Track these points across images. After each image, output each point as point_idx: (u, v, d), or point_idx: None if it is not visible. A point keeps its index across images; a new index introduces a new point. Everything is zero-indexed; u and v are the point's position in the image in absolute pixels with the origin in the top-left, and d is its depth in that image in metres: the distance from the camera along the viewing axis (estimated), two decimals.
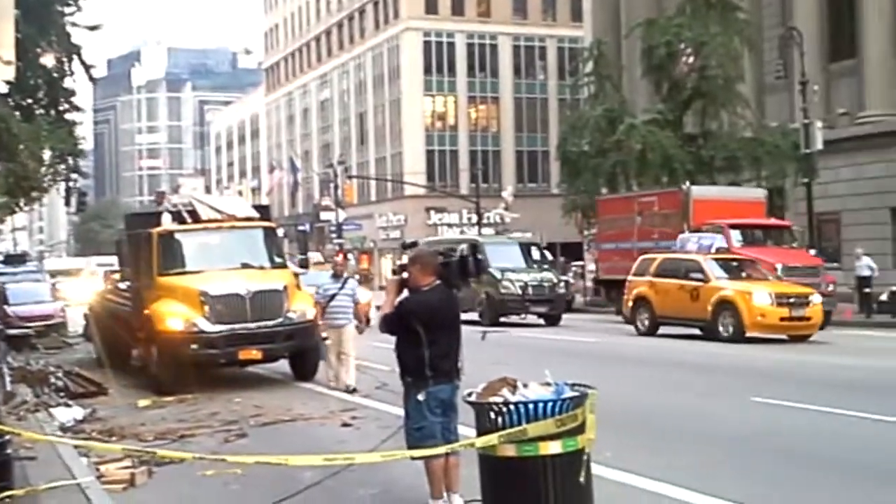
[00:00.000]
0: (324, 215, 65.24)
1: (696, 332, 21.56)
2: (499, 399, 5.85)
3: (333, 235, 60.75)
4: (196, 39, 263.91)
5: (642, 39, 34.15)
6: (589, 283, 37.88)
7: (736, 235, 24.75)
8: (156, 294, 14.92)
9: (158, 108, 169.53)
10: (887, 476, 7.93)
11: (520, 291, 26.88)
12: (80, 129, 28.09)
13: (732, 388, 13.27)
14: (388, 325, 6.85)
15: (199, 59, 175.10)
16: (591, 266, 35.93)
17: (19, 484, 7.58)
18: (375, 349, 13.77)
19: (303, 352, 15.14)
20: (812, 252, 27.10)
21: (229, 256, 15.46)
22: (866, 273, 27.13)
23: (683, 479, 7.65)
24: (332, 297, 14.00)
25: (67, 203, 30.56)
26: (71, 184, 27.44)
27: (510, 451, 5.62)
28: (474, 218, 54.83)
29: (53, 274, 48.63)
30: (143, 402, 13.28)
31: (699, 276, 21.32)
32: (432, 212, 68.48)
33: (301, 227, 65.14)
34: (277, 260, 16.02)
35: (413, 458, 6.51)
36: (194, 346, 14.12)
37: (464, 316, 25.54)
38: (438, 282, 6.77)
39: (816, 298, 20.71)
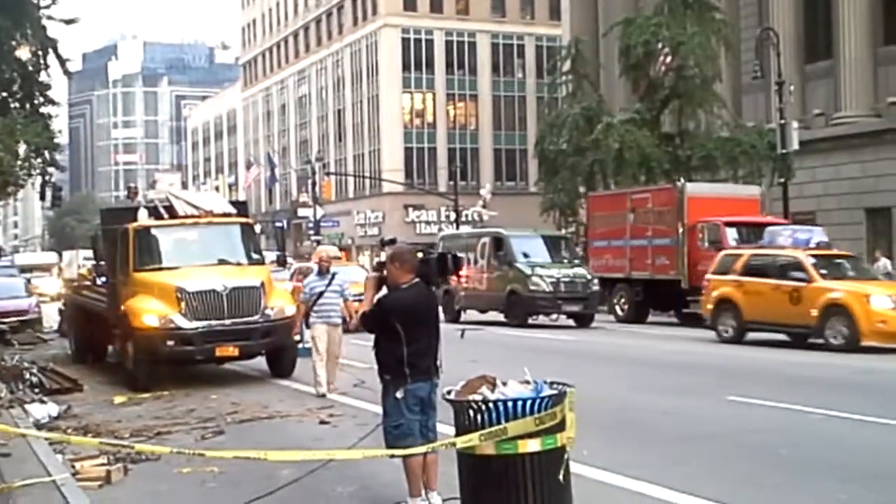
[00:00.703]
0: (301, 212, 65.07)
1: (789, 338, 19.28)
2: (478, 397, 5.85)
3: (311, 232, 60.56)
4: (173, 34, 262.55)
5: (620, 39, 34.23)
6: None
7: (731, 233, 24.37)
8: (132, 290, 14.83)
9: (135, 102, 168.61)
10: None
11: (551, 288, 24.82)
12: (56, 123, 27.82)
13: None
14: (367, 322, 6.85)
15: (175, 54, 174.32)
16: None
17: None
18: (353, 346, 13.73)
19: (280, 349, 15.06)
20: None
21: (206, 253, 15.39)
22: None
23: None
24: (320, 294, 13.20)
25: (42, 198, 30.24)
26: (46, 178, 27.19)
27: (489, 449, 5.62)
28: (452, 216, 54.82)
29: (24, 269, 46.98)
30: (118, 399, 13.21)
31: (800, 275, 18.71)
32: (410, 209, 68.50)
33: (278, 224, 64.89)
34: (255, 256, 15.96)
35: (392, 457, 6.51)
36: (170, 343, 14.04)
37: (484, 316, 24.74)
38: (417, 280, 6.76)
39: None
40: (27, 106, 25.70)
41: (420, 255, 6.95)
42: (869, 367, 15.35)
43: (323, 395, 12.79)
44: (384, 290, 6.85)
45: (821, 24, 35.62)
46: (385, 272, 6.84)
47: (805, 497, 7.45)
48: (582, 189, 36.16)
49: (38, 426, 10.72)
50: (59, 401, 12.58)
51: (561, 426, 5.68)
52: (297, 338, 14.03)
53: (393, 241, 7.16)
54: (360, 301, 9.19)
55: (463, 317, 27.01)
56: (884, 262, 26.70)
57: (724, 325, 20.21)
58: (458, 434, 5.85)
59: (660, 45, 32.64)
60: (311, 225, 60.93)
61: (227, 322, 14.25)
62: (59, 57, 26.56)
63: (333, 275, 13.38)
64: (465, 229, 43.86)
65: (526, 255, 25.87)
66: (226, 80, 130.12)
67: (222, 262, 15.26)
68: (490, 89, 73.12)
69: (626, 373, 15.36)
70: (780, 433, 9.70)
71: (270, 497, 7.09)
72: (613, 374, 15.09)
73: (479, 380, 6.08)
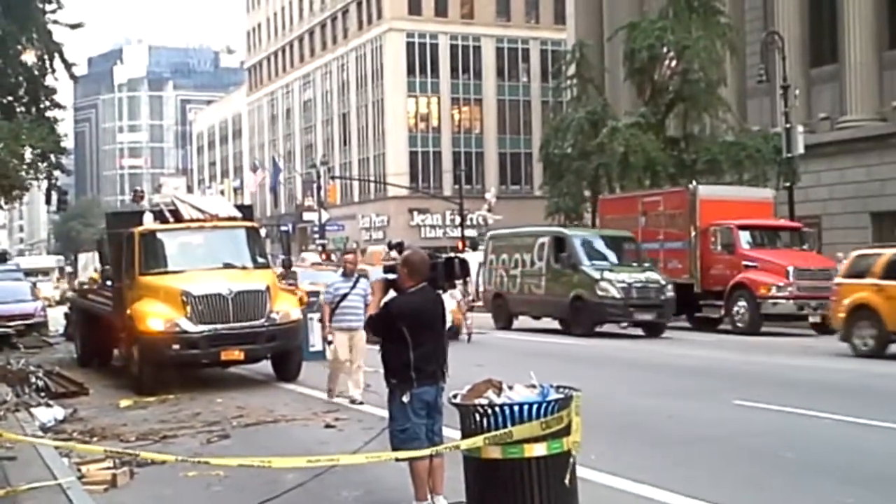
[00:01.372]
0: (306, 216, 65.16)
1: None
2: (484, 401, 5.85)
3: (316, 236, 60.61)
4: (178, 38, 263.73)
5: (625, 43, 34.22)
6: None
7: (745, 237, 24.20)
8: (137, 294, 14.84)
9: (140, 106, 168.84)
10: None
11: (622, 295, 22.68)
12: (61, 127, 27.87)
13: None
14: (374, 326, 6.85)
15: (181, 58, 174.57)
16: None
17: (0, 484, 7.53)
18: None
19: (285, 353, 15.06)
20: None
21: (212, 256, 15.40)
22: None
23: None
24: (343, 297, 12.66)
25: (48, 201, 30.32)
26: (52, 182, 27.25)
27: (495, 453, 5.61)
28: (457, 219, 54.82)
29: (25, 273, 46.64)
30: (124, 403, 13.22)
31: None
32: (415, 213, 68.54)
33: (283, 228, 64.88)
34: (260, 260, 15.96)
35: (398, 460, 6.50)
36: (176, 347, 14.04)
37: (536, 323, 24.36)
38: (424, 283, 6.75)
39: None
40: (33, 110, 25.76)
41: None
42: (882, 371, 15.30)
43: (353, 402, 12.31)
44: (391, 294, 6.85)
45: (826, 28, 35.60)
46: (395, 275, 6.84)
47: (809, 500, 7.44)
48: (587, 193, 36.15)
49: (44, 430, 10.73)
50: (65, 404, 12.61)
51: (567, 430, 5.67)
52: (329, 338, 12.90)
53: (401, 245, 7.15)
54: None
55: (515, 323, 26.14)
56: None
57: (860, 336, 17.53)
58: (463, 438, 5.84)
59: (665, 49, 32.64)
60: (316, 229, 60.99)
61: (233, 326, 14.24)
62: (64, 61, 26.62)
63: (358, 278, 12.87)
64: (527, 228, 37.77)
65: (591, 257, 23.87)
66: (231, 85, 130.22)
67: (228, 265, 15.27)
68: (495, 93, 73.15)
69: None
70: (793, 437, 9.68)
71: (275, 501, 7.08)
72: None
73: (485, 384, 6.08)
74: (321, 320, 13.85)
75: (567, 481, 5.69)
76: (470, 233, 53.47)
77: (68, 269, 69.80)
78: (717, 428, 10.38)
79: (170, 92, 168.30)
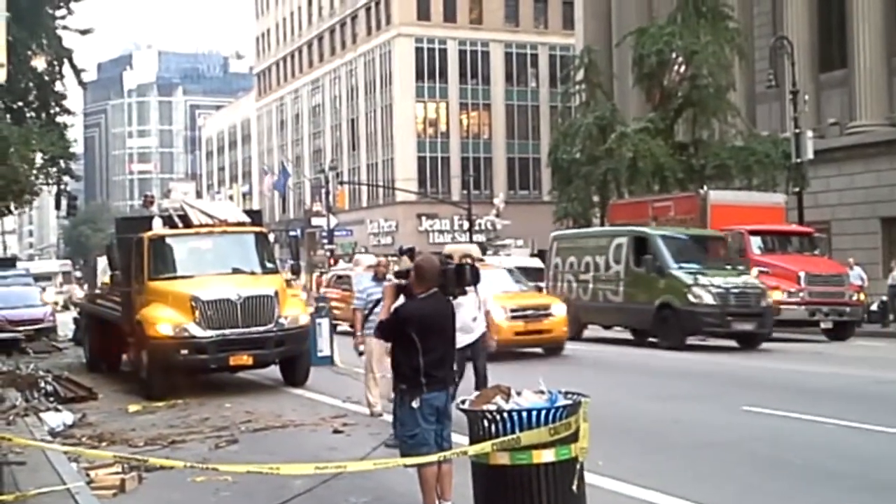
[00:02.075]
0: (315, 221, 65.19)
1: None
2: (492, 407, 5.85)
3: (324, 241, 60.67)
4: (187, 44, 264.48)
5: (633, 48, 34.22)
6: None
7: (756, 242, 23.85)
8: (146, 299, 14.88)
9: (149, 112, 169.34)
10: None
11: (718, 302, 20.08)
12: (71, 132, 28.01)
13: None
14: (384, 331, 6.86)
15: (190, 64, 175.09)
16: None
17: (9, 489, 7.56)
18: None
19: (294, 358, 15.10)
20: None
21: (220, 261, 15.45)
22: None
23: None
24: (377, 302, 11.83)
25: (58, 206, 30.47)
26: (61, 187, 27.37)
27: (503, 459, 5.62)
28: (466, 224, 54.82)
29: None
30: (133, 408, 13.25)
31: None
32: (424, 218, 68.55)
33: (292, 233, 65.11)
34: (269, 265, 15.99)
35: (406, 466, 6.50)
36: (185, 352, 14.07)
37: (608, 333, 23.21)
38: (435, 289, 6.76)
39: None
40: (43, 115, 25.89)
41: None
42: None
43: (379, 415, 11.50)
44: (402, 299, 6.86)
45: (835, 34, 35.54)
46: (406, 280, 6.86)
47: None
48: (595, 198, 36.11)
49: (53, 434, 10.76)
50: (74, 409, 12.64)
51: (575, 437, 5.67)
52: (361, 348, 11.87)
53: (411, 250, 7.15)
54: None
55: (585, 333, 23.50)
56: None
57: None
58: (472, 444, 5.84)
59: (673, 55, 32.61)
60: (324, 234, 61.07)
61: (242, 331, 14.27)
62: (74, 67, 26.76)
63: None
64: (601, 228, 32.95)
65: (678, 260, 21.15)
66: (240, 90, 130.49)
67: (236, 271, 15.32)
68: (503, 98, 73.15)
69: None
70: (801, 443, 9.64)
71: None
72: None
73: (493, 390, 6.08)
74: (352, 326, 12.72)
75: (575, 487, 5.69)
76: (478, 238, 53.46)
77: (77, 273, 69.64)
78: (725, 433, 10.35)
79: (179, 97, 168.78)
